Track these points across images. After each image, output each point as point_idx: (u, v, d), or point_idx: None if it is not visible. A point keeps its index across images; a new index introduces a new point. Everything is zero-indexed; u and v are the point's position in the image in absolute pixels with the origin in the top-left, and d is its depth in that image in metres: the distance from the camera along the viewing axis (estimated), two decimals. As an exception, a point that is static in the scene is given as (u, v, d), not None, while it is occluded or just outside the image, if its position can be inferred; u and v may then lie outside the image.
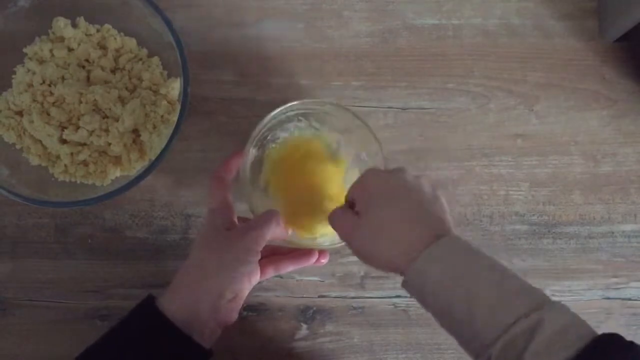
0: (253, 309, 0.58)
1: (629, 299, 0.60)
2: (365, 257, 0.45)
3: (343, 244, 0.54)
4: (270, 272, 0.53)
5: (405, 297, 0.58)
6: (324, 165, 0.55)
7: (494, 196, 0.60)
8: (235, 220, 0.51)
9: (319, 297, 0.58)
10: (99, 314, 0.57)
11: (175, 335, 0.44)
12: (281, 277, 0.58)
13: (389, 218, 0.43)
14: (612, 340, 0.36)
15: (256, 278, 0.53)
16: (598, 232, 0.60)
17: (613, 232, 0.60)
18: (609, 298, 0.60)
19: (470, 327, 0.38)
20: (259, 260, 0.53)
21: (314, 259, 0.54)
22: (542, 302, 0.37)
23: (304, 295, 0.58)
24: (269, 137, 0.54)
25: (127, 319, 0.46)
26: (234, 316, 0.49)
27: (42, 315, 0.57)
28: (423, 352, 0.58)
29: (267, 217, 0.48)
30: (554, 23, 0.62)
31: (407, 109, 0.61)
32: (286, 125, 0.55)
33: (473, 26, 0.62)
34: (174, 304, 0.45)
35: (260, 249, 0.47)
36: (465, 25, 0.62)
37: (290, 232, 0.53)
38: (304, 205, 0.54)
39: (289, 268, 0.54)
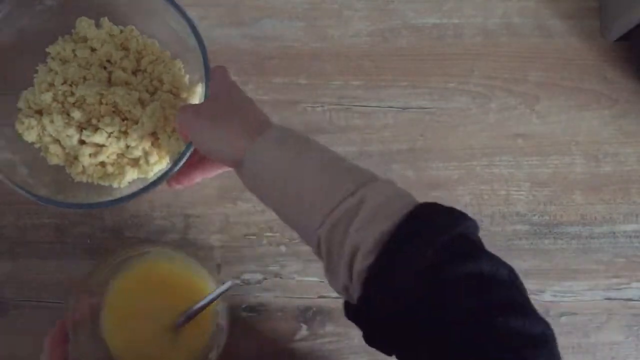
0: (253, 310, 0.57)
1: (630, 300, 0.59)
2: (206, 151, 0.45)
3: None
4: None
5: (406, 297, 0.58)
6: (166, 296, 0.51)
7: (495, 196, 0.60)
8: None
9: (318, 297, 0.58)
10: (99, 315, 0.57)
11: None
12: (281, 277, 0.58)
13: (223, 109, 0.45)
14: (431, 206, 0.37)
15: None
16: (599, 232, 0.60)
17: (614, 232, 0.60)
18: (610, 299, 0.59)
19: (302, 214, 0.39)
20: None
21: None
22: (367, 180, 0.38)
23: (304, 296, 0.58)
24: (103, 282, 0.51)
25: None
26: None
27: (41, 316, 0.57)
28: (423, 353, 0.58)
29: None
30: (555, 22, 0.62)
31: (408, 108, 0.61)
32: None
33: (474, 25, 0.62)
34: None
35: None
36: (466, 24, 0.62)
37: None
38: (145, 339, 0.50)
39: None
